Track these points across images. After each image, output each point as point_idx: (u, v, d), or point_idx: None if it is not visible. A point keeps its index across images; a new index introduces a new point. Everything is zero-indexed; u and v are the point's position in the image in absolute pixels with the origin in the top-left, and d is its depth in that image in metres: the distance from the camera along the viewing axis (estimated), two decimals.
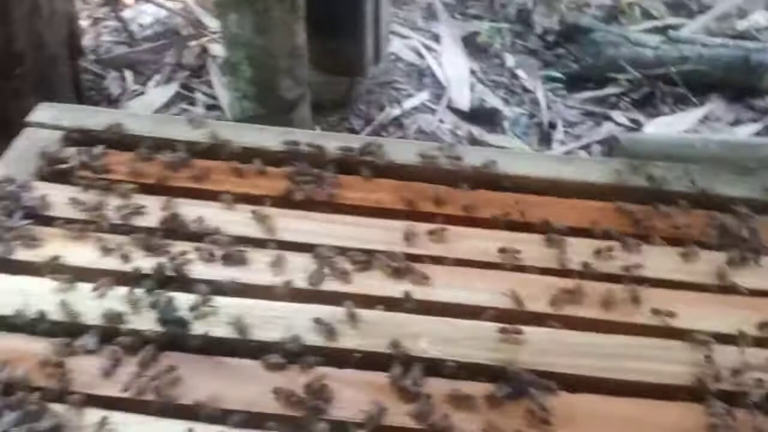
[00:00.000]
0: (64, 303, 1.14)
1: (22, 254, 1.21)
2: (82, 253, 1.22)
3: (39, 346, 1.09)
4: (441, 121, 3.01)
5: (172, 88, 3.10)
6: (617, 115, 3.02)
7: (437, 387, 1.08)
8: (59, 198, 1.32)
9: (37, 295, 1.15)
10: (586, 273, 1.26)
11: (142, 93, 3.09)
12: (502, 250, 1.28)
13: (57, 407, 1.01)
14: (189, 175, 1.38)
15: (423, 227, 1.32)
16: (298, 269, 1.22)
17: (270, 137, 1.47)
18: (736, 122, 3.00)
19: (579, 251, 1.29)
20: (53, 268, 1.19)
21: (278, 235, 1.29)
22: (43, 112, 1.51)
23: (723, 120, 3.00)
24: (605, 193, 1.42)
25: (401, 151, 1.46)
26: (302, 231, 1.29)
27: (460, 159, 1.43)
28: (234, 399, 1.05)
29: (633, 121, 3.00)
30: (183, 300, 1.16)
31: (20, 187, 1.30)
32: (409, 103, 3.07)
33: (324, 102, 2.94)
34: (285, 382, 1.07)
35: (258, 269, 1.22)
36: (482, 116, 3.01)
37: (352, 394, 1.06)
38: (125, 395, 1.04)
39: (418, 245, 1.30)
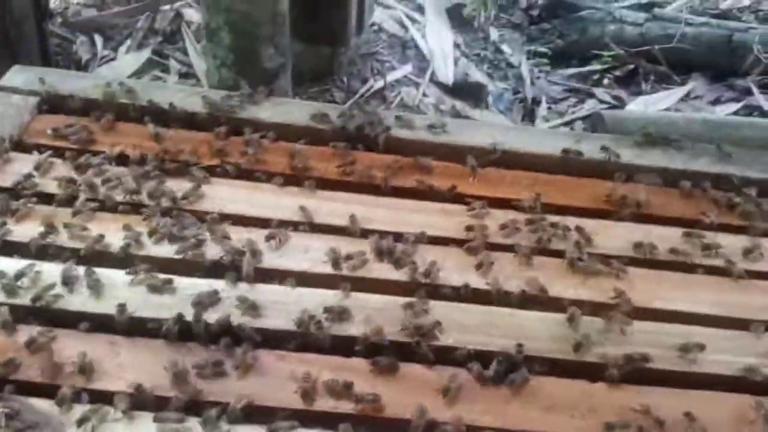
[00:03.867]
0: None
1: None
2: None
3: None
4: (425, 94, 2.95)
5: (144, 55, 2.96)
6: (600, 92, 3.01)
7: None
8: None
9: None
10: None
11: (112, 59, 2.94)
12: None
13: None
14: None
15: None
16: None
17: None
18: (716, 101, 3.02)
19: None
20: None
21: None
22: (17, 76, 1.41)
23: (704, 99, 3.02)
24: None
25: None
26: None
27: None
28: None
29: (616, 98, 2.99)
30: None
31: None
32: (392, 76, 2.99)
33: (305, 72, 2.85)
34: None
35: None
36: (466, 91, 2.96)
37: None
38: None
39: None
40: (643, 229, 1.33)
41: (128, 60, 2.92)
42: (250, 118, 1.44)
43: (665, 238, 1.30)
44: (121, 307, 1.06)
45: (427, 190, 1.36)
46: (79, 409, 0.95)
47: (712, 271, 1.26)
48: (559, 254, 1.27)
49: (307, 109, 1.48)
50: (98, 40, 2.99)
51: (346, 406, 1.02)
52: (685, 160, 1.46)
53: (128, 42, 3.02)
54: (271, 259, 1.20)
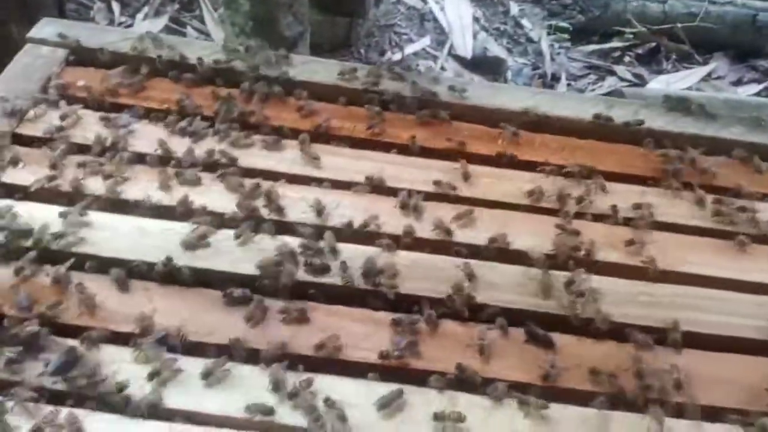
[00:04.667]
0: None
1: None
2: None
3: None
4: (443, 68, 2.92)
5: (162, 22, 2.94)
6: (621, 69, 2.98)
7: None
8: None
9: None
10: None
11: (129, 25, 2.93)
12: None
13: None
14: None
15: None
16: None
17: None
18: (738, 82, 2.99)
19: None
20: None
21: None
22: (46, 28, 1.40)
23: (725, 79, 2.98)
24: None
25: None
26: None
27: None
28: None
29: (636, 76, 2.96)
30: None
31: None
32: (410, 48, 2.97)
33: (323, 42, 2.83)
34: None
35: None
36: (485, 65, 2.93)
37: None
38: None
39: None
40: (675, 195, 1.32)
41: (145, 27, 2.90)
42: (279, 75, 1.42)
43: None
44: (168, 259, 1.07)
45: (457, 152, 1.35)
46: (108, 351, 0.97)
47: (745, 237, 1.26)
48: (590, 217, 1.26)
49: (335, 68, 1.46)
50: (115, 6, 2.98)
51: (376, 358, 1.02)
52: (717, 129, 1.44)
53: (145, 9, 3.00)
54: (299, 214, 1.20)
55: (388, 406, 0.96)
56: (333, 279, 1.11)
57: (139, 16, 2.98)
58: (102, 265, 1.06)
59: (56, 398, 0.91)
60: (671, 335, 1.10)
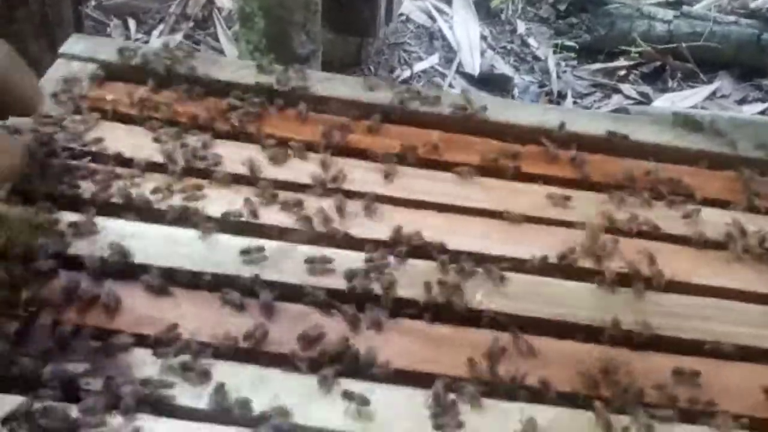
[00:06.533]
0: None
1: None
2: None
3: None
4: (451, 85, 2.98)
5: (177, 39, 3.01)
6: (626, 88, 3.03)
7: None
8: None
9: None
10: None
11: (145, 42, 3.00)
12: None
13: None
14: None
15: None
16: None
17: None
18: (743, 101, 3.04)
19: None
20: None
21: None
22: (77, 45, 1.46)
23: (730, 98, 3.04)
24: None
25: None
26: None
27: None
28: None
29: (642, 94, 3.01)
30: None
31: None
32: (419, 66, 3.04)
33: (333, 61, 2.89)
34: None
35: None
36: (492, 82, 3.00)
37: None
38: None
39: None
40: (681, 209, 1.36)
41: (160, 44, 2.96)
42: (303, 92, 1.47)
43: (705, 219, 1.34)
44: None
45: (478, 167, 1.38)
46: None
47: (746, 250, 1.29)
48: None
49: (355, 84, 1.51)
50: (131, 24, 3.06)
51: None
52: (723, 144, 1.48)
53: (161, 26, 3.08)
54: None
55: None
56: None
57: (155, 33, 3.06)
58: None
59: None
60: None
